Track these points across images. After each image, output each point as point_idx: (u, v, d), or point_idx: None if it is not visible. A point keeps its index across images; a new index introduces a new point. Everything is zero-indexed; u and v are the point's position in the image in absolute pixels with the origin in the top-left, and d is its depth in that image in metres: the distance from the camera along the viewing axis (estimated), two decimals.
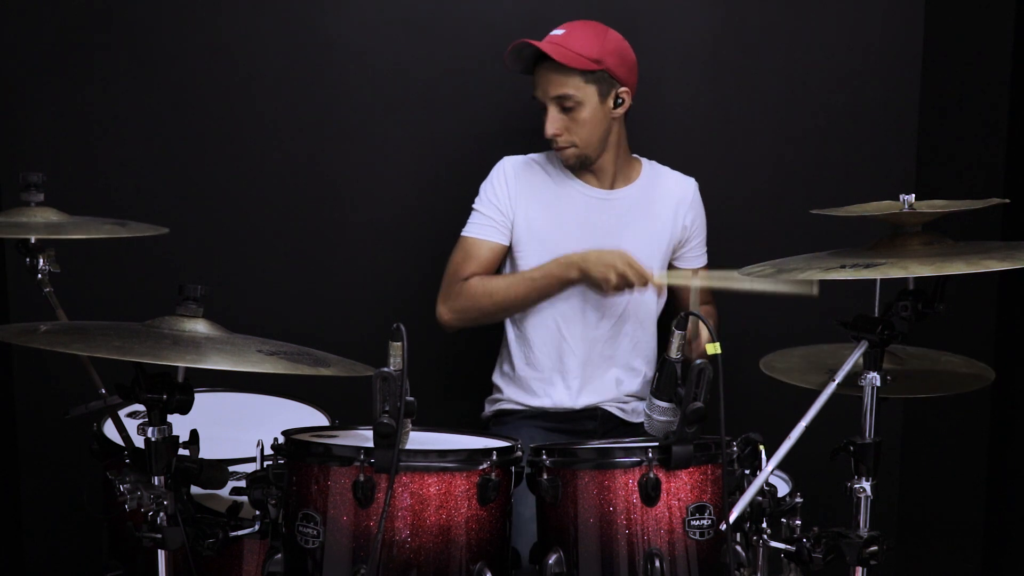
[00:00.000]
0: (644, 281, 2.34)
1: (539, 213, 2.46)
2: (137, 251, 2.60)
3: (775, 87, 2.83)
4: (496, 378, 2.60)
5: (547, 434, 2.48)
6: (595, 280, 2.34)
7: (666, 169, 2.57)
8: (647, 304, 2.52)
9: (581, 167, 2.44)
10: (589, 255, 2.36)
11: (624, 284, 2.33)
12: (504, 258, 2.50)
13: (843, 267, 1.71)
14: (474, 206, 2.49)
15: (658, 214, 2.50)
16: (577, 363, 2.48)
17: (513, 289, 2.43)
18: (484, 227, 2.47)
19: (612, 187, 2.48)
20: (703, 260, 2.60)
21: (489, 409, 2.61)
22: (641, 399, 2.52)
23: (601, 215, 2.46)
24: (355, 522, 1.68)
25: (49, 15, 2.70)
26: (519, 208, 2.45)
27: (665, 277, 2.48)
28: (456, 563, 1.70)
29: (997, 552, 2.92)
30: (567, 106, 2.34)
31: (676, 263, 2.57)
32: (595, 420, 2.51)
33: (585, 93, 2.33)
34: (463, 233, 2.48)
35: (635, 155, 2.54)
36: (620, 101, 2.38)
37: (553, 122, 2.35)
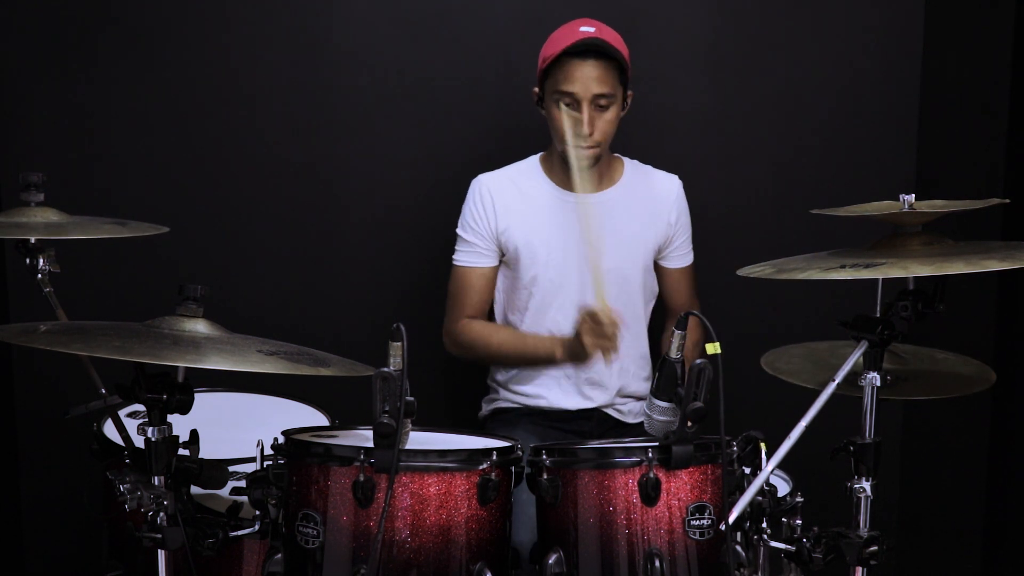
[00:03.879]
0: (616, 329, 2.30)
1: (523, 225, 2.44)
2: (137, 251, 2.60)
3: (775, 87, 2.83)
4: (493, 378, 2.60)
5: (544, 431, 2.48)
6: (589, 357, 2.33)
7: (649, 168, 2.55)
8: (633, 305, 2.50)
9: (591, 167, 2.41)
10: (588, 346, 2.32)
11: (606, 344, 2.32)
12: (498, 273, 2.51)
13: (843, 267, 1.71)
14: (458, 231, 2.48)
15: (642, 214, 2.48)
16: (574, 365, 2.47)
17: (506, 346, 2.47)
18: (470, 254, 2.47)
19: (596, 189, 2.46)
20: (689, 259, 2.57)
21: (486, 408, 2.60)
22: (639, 399, 2.52)
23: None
24: (355, 522, 1.68)
25: (49, 15, 2.70)
26: (502, 224, 2.44)
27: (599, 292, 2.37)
28: (456, 563, 1.70)
29: (997, 552, 2.91)
30: (601, 104, 2.32)
31: (662, 262, 2.55)
32: (591, 421, 2.51)
33: (617, 93, 2.33)
34: (454, 261, 2.49)
35: (616, 154, 2.52)
36: (627, 103, 2.39)
37: (591, 121, 2.32)
